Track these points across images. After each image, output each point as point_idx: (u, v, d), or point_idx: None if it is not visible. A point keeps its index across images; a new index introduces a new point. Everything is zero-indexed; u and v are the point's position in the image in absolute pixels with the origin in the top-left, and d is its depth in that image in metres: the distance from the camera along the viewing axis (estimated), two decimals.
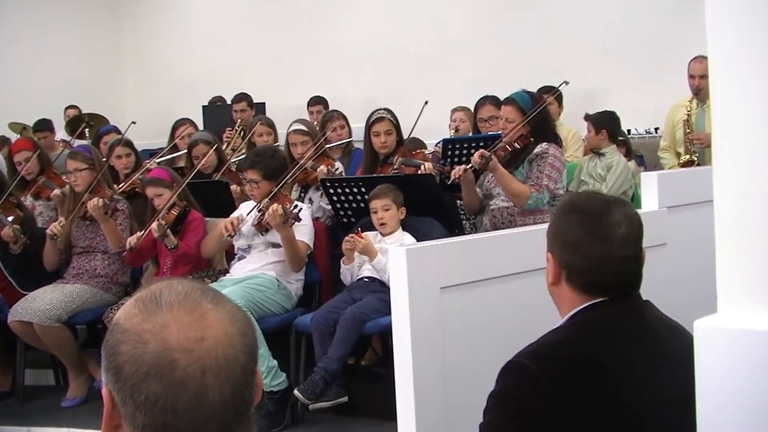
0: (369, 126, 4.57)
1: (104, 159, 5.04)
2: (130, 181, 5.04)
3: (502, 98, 4.31)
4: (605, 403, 1.67)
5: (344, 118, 5.58)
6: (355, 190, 4.28)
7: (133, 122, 5.44)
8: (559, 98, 5.49)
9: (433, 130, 5.39)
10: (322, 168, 4.54)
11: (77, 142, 6.64)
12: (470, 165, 3.96)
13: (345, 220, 4.39)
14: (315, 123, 5.77)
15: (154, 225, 4.19)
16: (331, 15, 7.82)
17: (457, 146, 4.57)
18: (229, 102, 7.29)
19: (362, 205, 4.24)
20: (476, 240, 2.71)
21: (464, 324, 2.42)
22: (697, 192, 2.63)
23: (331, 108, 6.44)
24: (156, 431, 1.00)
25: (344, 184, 4.33)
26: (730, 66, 1.37)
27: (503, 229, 3.88)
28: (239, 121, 6.71)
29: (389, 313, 2.46)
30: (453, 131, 5.69)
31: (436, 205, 4.16)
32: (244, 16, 8.39)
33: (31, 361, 4.74)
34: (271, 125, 5.72)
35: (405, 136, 4.63)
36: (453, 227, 4.26)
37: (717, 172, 1.39)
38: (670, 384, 1.70)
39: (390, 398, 2.39)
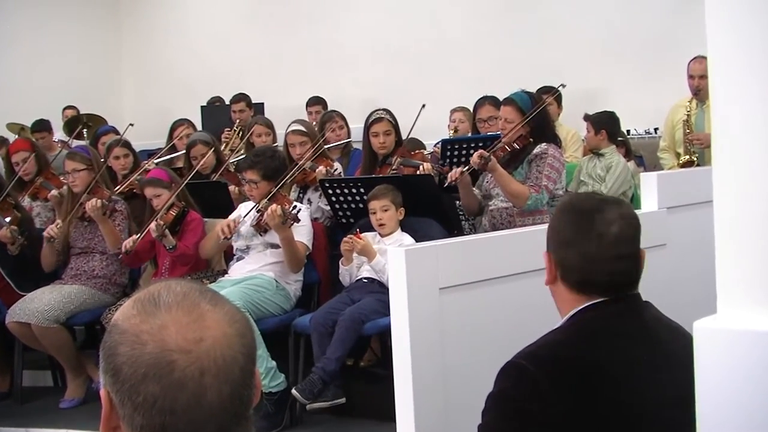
0: (368, 126, 4.57)
1: (102, 160, 5.03)
2: (128, 182, 5.03)
3: (501, 98, 4.31)
4: (605, 404, 1.67)
5: (343, 118, 5.57)
6: (354, 190, 4.27)
7: (131, 124, 5.43)
8: (558, 98, 5.49)
9: (432, 130, 5.38)
10: (321, 168, 4.53)
11: (75, 143, 6.63)
12: (467, 167, 3.96)
13: (344, 220, 4.38)
14: (314, 123, 5.77)
15: (153, 225, 4.19)
16: (331, 15, 7.83)
17: (456, 147, 4.56)
18: (227, 102, 7.28)
19: (361, 205, 4.24)
20: (475, 241, 2.71)
21: (463, 325, 2.42)
22: (697, 192, 2.63)
23: (330, 108, 6.43)
24: None
25: (343, 184, 4.33)
26: (729, 66, 1.37)
27: (502, 229, 3.87)
28: (238, 121, 6.70)
29: (388, 314, 2.46)
30: (452, 132, 5.69)
31: (435, 205, 4.16)
32: (244, 16, 8.39)
33: (29, 362, 4.73)
34: (269, 125, 5.71)
35: (404, 137, 4.63)
36: (452, 228, 4.25)
37: (717, 172, 1.39)
38: (669, 384, 1.69)
39: (389, 399, 2.38)
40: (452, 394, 2.35)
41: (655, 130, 6.13)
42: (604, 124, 5.10)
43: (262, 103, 7.34)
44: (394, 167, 4.45)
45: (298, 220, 3.99)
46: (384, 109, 4.62)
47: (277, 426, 3.88)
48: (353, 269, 4.04)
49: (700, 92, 5.22)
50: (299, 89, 7.27)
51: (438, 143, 5.01)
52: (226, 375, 1.02)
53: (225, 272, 4.34)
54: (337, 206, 4.37)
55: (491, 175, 3.98)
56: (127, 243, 4.31)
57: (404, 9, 7.43)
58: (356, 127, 5.28)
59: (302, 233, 4.11)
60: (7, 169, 5.24)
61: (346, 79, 7.54)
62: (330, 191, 4.35)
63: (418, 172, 4.31)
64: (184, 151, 5.26)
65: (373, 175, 4.43)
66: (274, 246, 4.13)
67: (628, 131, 5.94)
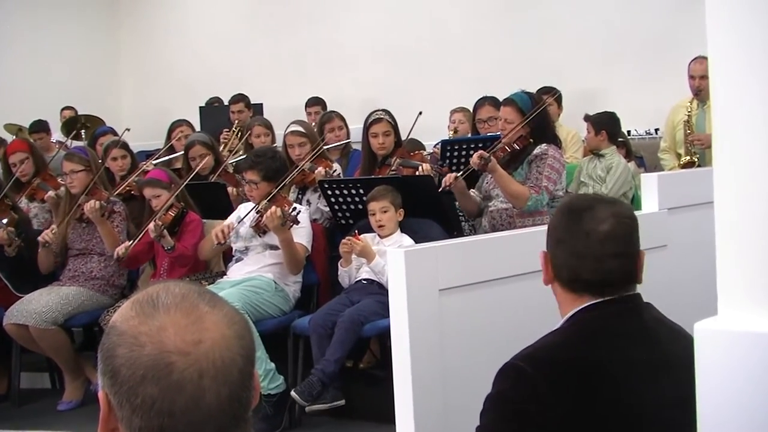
0: (367, 127, 4.56)
1: (100, 161, 5.02)
2: (126, 184, 5.02)
3: (501, 99, 4.30)
4: (604, 405, 1.67)
5: (342, 119, 5.56)
6: (353, 191, 4.26)
7: (127, 129, 5.43)
8: (558, 99, 5.49)
9: (432, 131, 5.38)
10: (320, 170, 4.53)
11: (73, 144, 6.62)
12: (461, 173, 3.96)
13: (343, 222, 4.38)
14: (313, 124, 5.76)
15: (151, 225, 4.18)
16: (331, 15, 7.83)
17: (456, 147, 4.56)
18: (226, 103, 7.28)
19: (360, 206, 4.23)
20: (475, 242, 2.70)
21: (463, 326, 2.42)
22: (698, 193, 2.62)
23: (329, 109, 6.43)
24: None
25: (342, 185, 4.32)
26: (730, 66, 1.37)
27: (502, 230, 3.87)
28: (237, 122, 6.70)
29: (387, 316, 2.45)
30: (452, 132, 5.68)
31: (435, 206, 4.15)
32: (244, 16, 8.39)
33: (27, 364, 4.72)
34: (268, 126, 5.71)
35: (403, 138, 4.62)
36: (452, 229, 4.24)
37: (717, 173, 1.39)
38: (669, 385, 1.69)
39: (388, 401, 2.38)
40: (452, 395, 2.34)
41: (656, 130, 6.13)
42: (605, 124, 5.09)
43: (261, 104, 7.33)
44: (393, 168, 4.44)
45: (298, 222, 3.98)
46: (383, 110, 4.61)
47: (276, 428, 3.88)
48: (352, 271, 4.03)
49: (700, 93, 5.22)
50: (298, 90, 7.27)
51: (438, 144, 5.00)
52: (224, 377, 1.02)
53: (224, 273, 4.33)
54: (336, 207, 4.37)
55: (491, 175, 3.98)
56: (119, 250, 4.29)
57: (404, 9, 7.43)
58: (355, 127, 5.27)
59: (301, 235, 4.10)
60: (5, 170, 5.23)
61: (345, 79, 7.54)
62: (329, 192, 4.34)
63: (417, 173, 4.30)
64: (183, 152, 5.25)
65: (373, 176, 4.42)
66: (273, 247, 4.13)
67: (629, 132, 5.94)
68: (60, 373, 4.65)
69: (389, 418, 2.40)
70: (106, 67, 9.00)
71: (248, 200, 4.34)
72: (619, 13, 6.47)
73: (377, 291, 3.86)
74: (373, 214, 4.03)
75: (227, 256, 4.43)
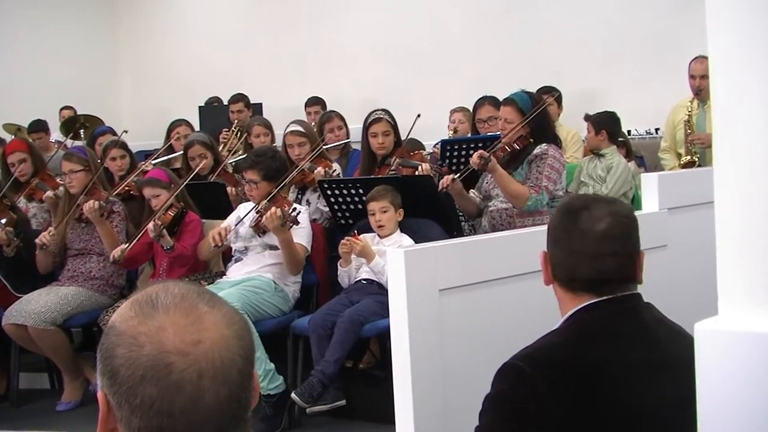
0: (366, 127, 4.56)
1: (99, 161, 5.02)
2: (125, 183, 5.02)
3: (501, 98, 4.30)
4: (603, 405, 1.67)
5: (342, 118, 5.56)
6: (353, 191, 4.26)
7: (125, 131, 5.43)
8: (558, 99, 5.49)
9: (431, 130, 5.38)
10: (320, 169, 4.52)
11: (72, 144, 6.62)
12: (458, 174, 3.96)
13: (343, 222, 4.37)
14: (312, 124, 5.76)
15: (150, 225, 4.18)
16: (331, 15, 7.83)
17: (456, 147, 4.55)
18: (225, 102, 7.28)
19: (360, 206, 4.23)
20: (475, 242, 2.70)
21: (463, 326, 2.41)
22: (698, 193, 2.62)
23: (329, 108, 6.43)
24: None
25: (342, 185, 4.32)
26: (730, 66, 1.37)
27: (502, 230, 3.87)
28: (236, 122, 6.70)
29: (387, 316, 2.45)
30: (452, 132, 5.68)
31: (435, 206, 4.15)
32: (243, 16, 8.38)
33: (26, 364, 4.71)
34: (267, 126, 5.71)
35: (403, 138, 4.62)
36: (451, 229, 4.24)
37: (718, 173, 1.39)
38: (669, 385, 1.69)
39: (388, 401, 2.38)
40: (452, 396, 2.34)
41: (656, 130, 6.13)
42: (605, 124, 5.09)
43: (261, 104, 7.33)
44: (393, 168, 4.44)
45: (298, 223, 3.98)
46: (383, 110, 4.61)
47: (275, 428, 3.87)
48: (352, 271, 4.03)
49: (701, 92, 5.22)
50: (298, 89, 7.27)
51: (437, 144, 5.00)
52: (224, 377, 1.02)
53: (223, 273, 4.33)
54: (335, 207, 4.36)
55: (491, 175, 3.97)
56: (116, 253, 4.28)
57: (404, 9, 7.43)
58: (355, 127, 5.27)
59: (301, 235, 4.10)
60: (3, 170, 5.21)
61: (345, 79, 7.54)
62: (329, 192, 4.34)
63: (417, 173, 4.30)
64: (182, 152, 5.25)
65: (372, 176, 4.42)
66: (272, 247, 4.12)
67: (629, 131, 5.94)
68: (59, 373, 4.65)
69: (389, 418, 2.40)
70: (105, 66, 8.99)
71: (248, 200, 4.34)
72: (619, 13, 6.47)
73: (377, 291, 3.86)
74: (373, 214, 4.03)
75: (227, 256, 4.43)
